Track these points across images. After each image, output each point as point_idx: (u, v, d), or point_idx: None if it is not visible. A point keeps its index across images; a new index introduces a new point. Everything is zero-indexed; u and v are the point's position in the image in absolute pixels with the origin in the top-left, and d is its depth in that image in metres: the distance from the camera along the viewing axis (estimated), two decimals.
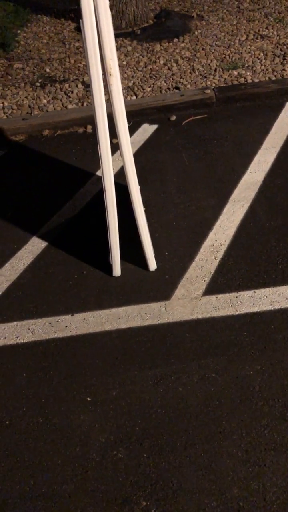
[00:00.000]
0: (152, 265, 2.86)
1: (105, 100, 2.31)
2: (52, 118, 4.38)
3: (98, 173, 3.74)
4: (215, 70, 4.85)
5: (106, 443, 2.11)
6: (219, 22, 5.85)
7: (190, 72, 4.85)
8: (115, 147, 2.61)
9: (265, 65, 4.84)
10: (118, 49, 5.34)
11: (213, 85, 4.60)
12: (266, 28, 5.58)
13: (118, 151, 2.51)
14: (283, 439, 2.04)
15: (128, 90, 4.67)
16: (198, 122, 4.26)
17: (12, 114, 4.51)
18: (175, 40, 5.50)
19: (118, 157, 3.62)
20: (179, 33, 5.62)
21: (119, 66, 4.88)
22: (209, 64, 4.95)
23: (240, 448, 2.03)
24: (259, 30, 5.54)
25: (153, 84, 4.72)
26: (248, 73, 4.73)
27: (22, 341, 2.57)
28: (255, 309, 2.58)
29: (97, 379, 2.35)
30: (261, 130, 4.01)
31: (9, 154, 4.14)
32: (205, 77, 4.74)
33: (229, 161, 3.72)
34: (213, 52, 5.17)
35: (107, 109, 2.32)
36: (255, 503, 1.87)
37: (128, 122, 2.44)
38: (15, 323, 2.68)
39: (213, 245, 3.00)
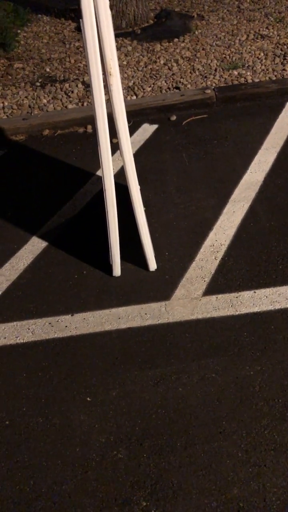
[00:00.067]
0: (152, 265, 2.86)
1: (105, 100, 2.31)
2: (52, 118, 4.38)
3: (98, 173, 3.74)
4: (216, 70, 4.84)
5: (106, 443, 2.10)
6: (219, 22, 5.85)
7: (190, 72, 4.85)
8: (115, 147, 2.61)
9: (265, 65, 4.84)
10: (118, 49, 5.34)
11: (214, 85, 4.60)
12: (267, 28, 5.58)
13: (118, 151, 2.50)
14: (283, 440, 2.04)
15: (128, 90, 4.67)
16: (198, 122, 4.26)
17: (12, 114, 4.51)
18: (176, 40, 5.50)
19: (118, 157, 3.62)
20: (180, 33, 5.62)
21: (119, 66, 4.88)
22: (209, 64, 4.95)
23: (240, 449, 2.03)
24: (259, 30, 5.54)
25: (153, 84, 4.72)
26: (248, 73, 4.72)
27: (22, 341, 2.57)
28: (255, 309, 2.58)
29: (97, 379, 2.35)
30: (261, 130, 4.01)
31: (9, 154, 4.14)
32: (206, 77, 4.74)
33: (229, 161, 3.72)
34: (213, 52, 5.16)
35: (107, 109, 2.32)
36: (255, 503, 1.87)
37: (128, 122, 2.44)
38: (15, 323, 2.67)
39: (213, 245, 3.00)
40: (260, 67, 4.81)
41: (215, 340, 2.45)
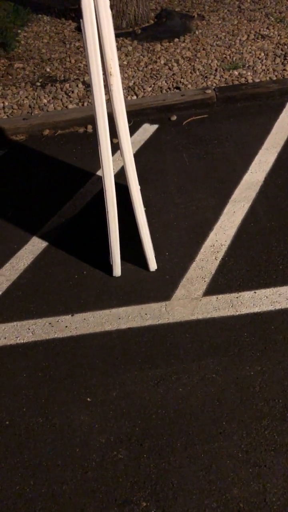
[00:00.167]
0: (153, 265, 2.86)
1: (106, 100, 2.31)
2: (52, 118, 4.38)
3: (99, 173, 3.74)
4: (216, 70, 4.84)
5: (106, 444, 2.10)
6: (219, 22, 5.85)
7: (190, 72, 4.85)
8: (116, 147, 2.61)
9: (265, 65, 4.84)
10: (118, 49, 5.34)
11: (214, 85, 4.60)
12: (267, 28, 5.58)
13: (119, 151, 2.50)
14: (283, 440, 2.04)
15: (128, 90, 4.67)
16: (199, 122, 4.25)
17: (13, 114, 4.51)
18: (176, 40, 5.50)
19: (118, 157, 3.61)
20: (180, 33, 5.61)
21: (120, 66, 4.87)
22: (209, 64, 4.95)
23: (241, 449, 2.03)
24: (260, 30, 5.54)
25: (154, 84, 4.72)
26: (248, 73, 4.72)
27: (22, 341, 2.57)
28: (256, 310, 2.57)
29: (97, 380, 2.35)
30: (261, 130, 4.01)
31: (10, 153, 4.14)
32: (206, 77, 4.74)
33: (229, 161, 3.71)
34: (213, 52, 5.16)
35: (107, 109, 2.32)
36: (255, 504, 1.87)
37: (129, 122, 2.44)
38: (15, 323, 2.67)
39: (213, 245, 3.00)
40: (261, 67, 4.81)
41: (216, 341, 2.45)
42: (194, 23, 5.84)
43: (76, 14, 6.32)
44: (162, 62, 5.08)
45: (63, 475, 2.02)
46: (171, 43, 5.45)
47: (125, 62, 5.16)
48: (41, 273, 2.96)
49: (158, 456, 2.04)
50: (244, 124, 4.12)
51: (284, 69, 4.74)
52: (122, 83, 4.36)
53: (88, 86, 4.77)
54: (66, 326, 2.61)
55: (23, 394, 2.33)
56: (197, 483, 1.95)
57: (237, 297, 2.65)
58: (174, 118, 4.32)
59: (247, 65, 4.87)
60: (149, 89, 4.64)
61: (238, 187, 3.44)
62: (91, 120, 3.97)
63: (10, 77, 5.12)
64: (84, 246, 3.10)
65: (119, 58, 5.16)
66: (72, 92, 4.71)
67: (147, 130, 4.21)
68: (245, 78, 4.66)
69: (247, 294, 2.66)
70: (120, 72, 2.32)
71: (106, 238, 2.71)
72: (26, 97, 4.72)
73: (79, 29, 5.79)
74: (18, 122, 4.35)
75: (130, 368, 2.38)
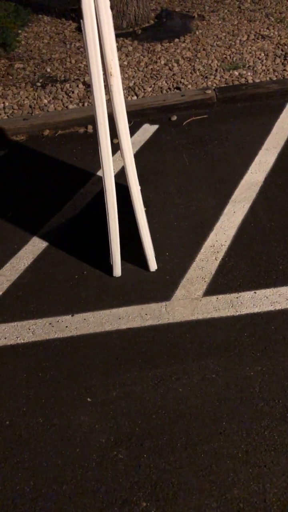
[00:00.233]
0: (153, 265, 2.86)
1: (106, 100, 2.31)
2: (53, 118, 4.38)
3: (99, 173, 3.74)
4: (216, 70, 4.84)
5: (106, 444, 2.10)
6: (220, 22, 5.85)
7: (191, 72, 4.85)
8: (116, 147, 2.61)
9: (266, 66, 4.84)
10: (119, 49, 5.34)
11: (214, 85, 4.60)
12: (267, 28, 5.58)
13: (119, 151, 2.50)
14: (283, 440, 2.04)
15: (129, 90, 4.67)
16: (199, 122, 4.26)
17: (13, 114, 4.51)
18: (176, 40, 5.50)
19: (118, 157, 3.62)
20: (180, 33, 5.62)
21: (120, 66, 4.87)
22: (210, 64, 4.95)
23: (241, 449, 2.03)
24: (260, 30, 5.54)
25: (154, 84, 4.72)
26: (249, 74, 4.72)
27: (23, 341, 2.57)
28: (256, 310, 2.58)
29: (98, 380, 2.35)
30: (262, 130, 4.01)
31: (10, 154, 4.14)
32: (206, 77, 4.74)
33: (230, 162, 3.71)
34: (214, 52, 5.16)
35: (107, 109, 2.32)
36: (255, 504, 1.87)
37: (129, 122, 2.44)
38: (15, 323, 2.68)
39: (213, 246, 3.00)
40: (261, 68, 4.81)
41: (216, 341, 2.45)
42: (194, 23, 5.84)
43: (76, 15, 6.32)
44: (163, 62, 5.09)
45: (63, 475, 2.02)
46: (172, 43, 5.45)
47: (125, 62, 5.16)
48: (42, 273, 2.96)
49: (158, 456, 2.04)
50: (244, 125, 4.12)
51: (284, 69, 4.74)
52: (123, 83, 4.37)
53: (88, 86, 4.78)
54: (66, 326, 2.62)
55: (23, 394, 2.33)
56: (197, 483, 1.95)
57: (237, 297, 2.66)
58: (174, 118, 4.33)
59: (247, 66, 4.87)
60: (149, 89, 4.65)
61: (238, 187, 3.44)
62: (92, 120, 3.97)
63: (11, 77, 5.12)
64: (84, 246, 3.11)
65: (120, 58, 5.17)
66: (73, 92, 4.72)
67: (147, 130, 4.21)
68: (245, 78, 4.66)
69: (247, 295, 2.66)
70: (121, 72, 2.32)
71: (106, 238, 2.71)
72: (27, 97, 4.73)
73: (80, 30, 5.80)
74: (18, 122, 4.35)
75: (130, 368, 2.38)
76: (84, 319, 2.64)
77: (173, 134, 4.12)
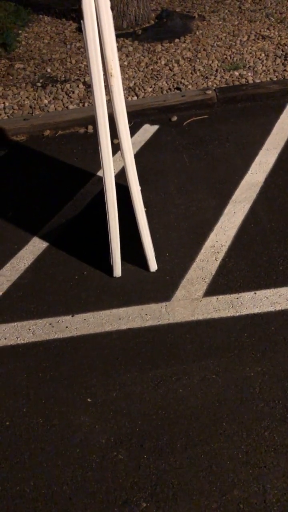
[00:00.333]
0: (153, 265, 2.86)
1: (106, 101, 2.31)
2: (53, 118, 4.38)
3: (99, 173, 3.74)
4: (216, 70, 4.84)
5: (106, 444, 2.10)
6: (220, 22, 5.85)
7: (191, 73, 4.85)
8: (116, 147, 2.61)
9: (266, 66, 4.84)
10: (119, 49, 5.34)
11: (214, 85, 4.60)
12: (268, 28, 5.58)
13: (119, 151, 2.50)
14: (283, 441, 2.04)
15: (129, 90, 4.67)
16: (199, 122, 4.26)
17: (13, 114, 4.51)
18: (176, 40, 5.50)
19: (119, 157, 3.62)
20: (180, 33, 5.61)
21: (120, 66, 4.87)
22: (210, 65, 4.95)
23: (241, 450, 2.03)
24: (260, 31, 5.54)
25: (154, 84, 4.72)
26: (249, 74, 4.72)
27: (23, 341, 2.57)
28: (256, 311, 2.57)
29: (98, 380, 2.35)
30: (262, 130, 4.01)
31: (10, 154, 4.14)
32: (206, 77, 4.74)
33: (230, 162, 3.71)
34: (214, 53, 5.16)
35: (108, 109, 2.32)
36: (255, 505, 1.87)
37: (129, 122, 2.44)
38: (15, 323, 2.67)
39: (213, 246, 3.00)
40: (261, 68, 4.81)
41: (216, 341, 2.45)
42: (194, 23, 5.84)
43: (76, 15, 6.32)
44: (163, 62, 5.09)
45: (63, 475, 2.02)
46: (172, 44, 5.45)
47: (125, 63, 5.16)
48: (42, 274, 2.96)
49: (158, 456, 2.04)
50: (245, 125, 4.12)
51: (285, 70, 4.74)
52: (123, 83, 4.36)
53: (88, 86, 4.78)
54: (67, 327, 2.62)
55: (23, 395, 2.33)
56: (197, 484, 1.95)
57: (237, 298, 2.65)
58: (174, 118, 4.33)
59: (247, 66, 4.87)
60: (150, 89, 4.65)
61: (238, 187, 3.44)
62: (92, 120, 3.97)
63: (11, 77, 5.13)
64: (85, 247, 3.11)
65: (120, 59, 5.17)
66: (73, 92, 4.72)
67: (148, 130, 4.21)
68: (246, 78, 4.66)
69: (247, 295, 2.66)
70: (121, 73, 2.32)
71: (106, 238, 2.71)
72: (27, 97, 4.73)
73: (80, 30, 5.80)
74: (18, 123, 4.35)
75: (130, 369, 2.38)
76: (84, 319, 2.64)
77: (174, 135, 4.12)
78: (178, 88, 4.60)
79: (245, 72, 4.76)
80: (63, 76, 5.04)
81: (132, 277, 2.85)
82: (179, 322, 2.56)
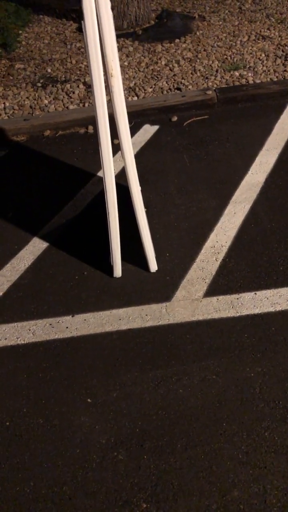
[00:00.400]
0: (153, 266, 2.86)
1: (107, 101, 2.31)
2: (53, 118, 4.38)
3: (99, 173, 3.74)
4: (217, 71, 4.84)
5: (106, 445, 2.10)
6: (220, 23, 5.85)
7: (191, 73, 4.85)
8: (117, 147, 2.61)
9: (266, 66, 4.84)
10: (119, 49, 5.34)
11: (215, 86, 4.60)
12: (268, 29, 5.58)
13: (119, 151, 2.50)
14: (284, 441, 2.04)
15: (129, 90, 4.67)
16: (200, 123, 4.26)
17: (14, 115, 4.51)
18: (177, 40, 5.50)
19: (119, 157, 3.61)
20: (181, 33, 5.62)
21: (121, 66, 4.87)
22: (210, 65, 4.95)
23: (241, 450, 2.03)
24: (260, 31, 5.54)
25: (155, 84, 4.72)
26: (249, 74, 4.72)
27: (23, 342, 2.57)
28: (256, 311, 2.57)
29: (98, 380, 2.35)
30: (262, 131, 4.01)
31: (10, 154, 4.14)
32: (207, 78, 4.74)
33: (230, 162, 3.71)
34: (214, 53, 5.16)
35: (108, 109, 2.32)
36: (255, 505, 1.87)
37: (130, 122, 2.44)
38: (15, 323, 2.67)
39: (214, 246, 3.00)
40: (262, 68, 4.81)
41: (216, 342, 2.45)
42: (195, 24, 5.84)
43: (77, 15, 6.32)
44: (163, 63, 5.09)
45: (64, 476, 2.02)
46: (172, 44, 5.45)
47: (126, 63, 5.16)
48: (42, 274, 2.96)
49: (159, 457, 2.04)
50: (245, 125, 4.12)
51: (285, 70, 4.74)
52: (123, 83, 4.36)
53: (89, 86, 4.78)
54: (67, 327, 2.61)
55: (23, 395, 2.33)
56: (198, 485, 1.94)
57: (237, 298, 2.65)
58: (175, 119, 4.33)
59: (248, 66, 4.87)
60: (150, 90, 4.65)
61: (238, 188, 3.44)
62: (92, 120, 3.97)
63: (11, 77, 5.13)
64: (85, 247, 3.10)
65: (120, 59, 5.17)
66: (73, 92, 4.72)
67: (148, 131, 4.21)
68: (246, 79, 4.66)
69: (247, 295, 2.66)
70: (121, 73, 2.32)
71: (106, 239, 2.71)
72: (27, 97, 4.73)
73: (80, 30, 5.80)
74: (19, 123, 4.35)
75: (131, 369, 2.37)
76: (85, 319, 2.64)
77: (174, 135, 4.12)
78: (179, 89, 4.60)
79: (245, 73, 4.76)
80: (64, 76, 5.04)
81: (132, 277, 2.85)
82: (179, 323, 2.56)
